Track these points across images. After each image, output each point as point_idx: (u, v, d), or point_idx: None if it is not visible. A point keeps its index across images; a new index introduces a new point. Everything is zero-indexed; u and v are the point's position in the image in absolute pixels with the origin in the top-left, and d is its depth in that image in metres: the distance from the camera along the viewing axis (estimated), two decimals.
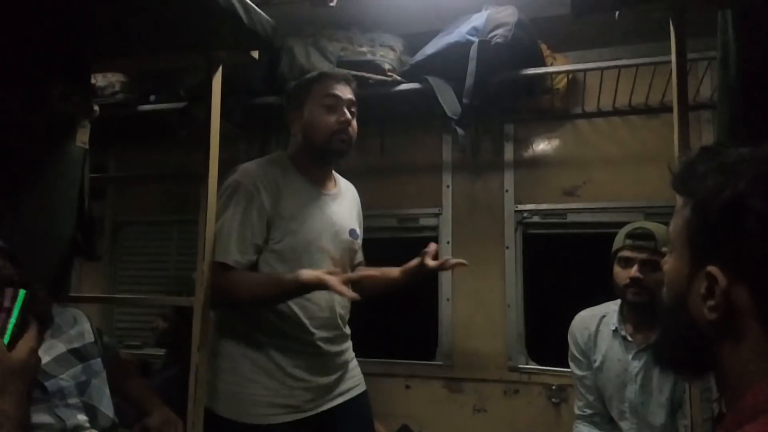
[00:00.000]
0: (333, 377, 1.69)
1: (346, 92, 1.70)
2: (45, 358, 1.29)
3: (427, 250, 1.75)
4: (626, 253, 1.84)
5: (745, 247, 0.66)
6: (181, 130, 2.51)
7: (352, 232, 1.78)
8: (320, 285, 1.49)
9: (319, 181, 1.74)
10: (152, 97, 2.62)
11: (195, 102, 2.42)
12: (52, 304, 1.29)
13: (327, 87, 1.69)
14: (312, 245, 1.65)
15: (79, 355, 1.35)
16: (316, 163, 1.73)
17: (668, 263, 0.79)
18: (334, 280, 1.46)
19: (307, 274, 1.50)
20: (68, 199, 1.54)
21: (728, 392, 0.71)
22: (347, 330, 1.77)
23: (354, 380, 1.77)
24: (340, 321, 1.71)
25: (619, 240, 1.88)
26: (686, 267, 0.73)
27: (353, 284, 1.67)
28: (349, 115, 1.69)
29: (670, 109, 2.27)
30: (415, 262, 1.75)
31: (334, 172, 1.84)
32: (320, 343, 1.64)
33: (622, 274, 1.83)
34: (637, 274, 1.79)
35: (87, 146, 1.63)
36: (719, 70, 1.44)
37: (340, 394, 1.71)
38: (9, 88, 1.43)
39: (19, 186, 1.42)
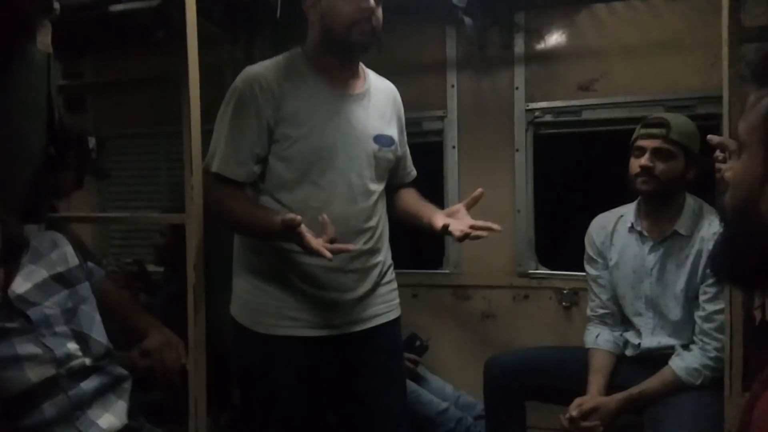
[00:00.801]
0: (350, 296, 1.55)
1: None
2: (25, 286, 1.20)
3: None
4: (639, 143, 1.78)
5: None
6: (157, 30, 2.29)
7: (379, 138, 1.56)
8: (290, 237, 1.32)
9: (338, 80, 1.54)
10: None
11: None
12: (21, 225, 1.17)
13: None
14: (324, 152, 1.48)
15: (63, 280, 1.26)
16: (336, 57, 1.52)
17: (736, 166, 0.71)
18: (307, 238, 1.29)
19: (280, 221, 1.32)
20: (35, 110, 1.39)
21: None
22: (377, 245, 1.59)
23: (385, 306, 1.63)
24: (361, 235, 1.54)
25: (636, 131, 1.83)
26: (762, 167, 0.65)
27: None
28: (373, 2, 1.44)
29: None
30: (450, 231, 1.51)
31: (365, 69, 1.63)
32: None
33: (634, 164, 1.78)
34: (647, 163, 1.74)
35: (50, 49, 1.45)
36: None
37: (365, 319, 1.58)
38: None
39: None
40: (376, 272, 1.60)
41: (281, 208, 1.49)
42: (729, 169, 0.73)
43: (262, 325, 1.52)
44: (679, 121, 1.77)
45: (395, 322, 1.68)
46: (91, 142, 2.04)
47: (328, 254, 1.28)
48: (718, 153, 1.33)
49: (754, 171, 0.66)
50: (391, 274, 1.68)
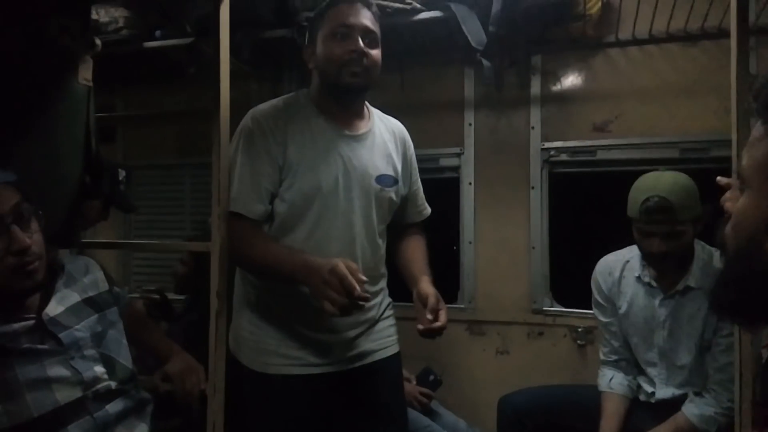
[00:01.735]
0: (349, 335, 1.53)
1: (360, 18, 1.49)
2: (58, 309, 1.24)
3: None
4: (644, 227, 1.72)
5: None
6: (189, 67, 2.39)
7: (381, 178, 1.56)
8: (306, 285, 1.33)
9: (340, 121, 1.55)
10: (158, 33, 2.48)
11: (202, 37, 2.29)
12: (57, 250, 1.22)
13: (339, 14, 1.48)
14: (324, 191, 1.48)
15: (94, 304, 1.30)
16: (334, 100, 1.55)
17: (738, 201, 0.69)
18: (321, 288, 1.27)
19: (304, 267, 1.33)
20: (73, 139, 1.45)
21: None
22: (376, 286, 1.59)
23: (383, 341, 1.62)
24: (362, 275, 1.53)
25: (633, 209, 1.75)
26: (766, 205, 0.63)
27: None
28: (361, 44, 1.47)
29: (711, 36, 2.16)
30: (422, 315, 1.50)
31: (370, 109, 1.64)
32: None
33: (644, 244, 1.75)
34: (662, 249, 1.70)
35: (90, 83, 1.52)
36: None
37: (364, 355, 1.57)
38: (4, 21, 1.32)
39: (20, 126, 1.33)
40: (374, 311, 1.59)
41: None
42: (732, 200, 0.72)
43: (257, 363, 1.51)
44: (679, 192, 1.68)
45: (394, 357, 1.65)
46: (121, 174, 2.10)
47: (347, 314, 1.28)
48: (727, 194, 1.35)
49: (758, 209, 0.65)
50: (390, 310, 1.67)
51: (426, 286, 1.54)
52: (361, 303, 1.28)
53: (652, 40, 2.25)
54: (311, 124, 1.52)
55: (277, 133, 1.48)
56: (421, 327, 1.45)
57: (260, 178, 1.46)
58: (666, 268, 1.78)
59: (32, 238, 1.18)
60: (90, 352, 1.25)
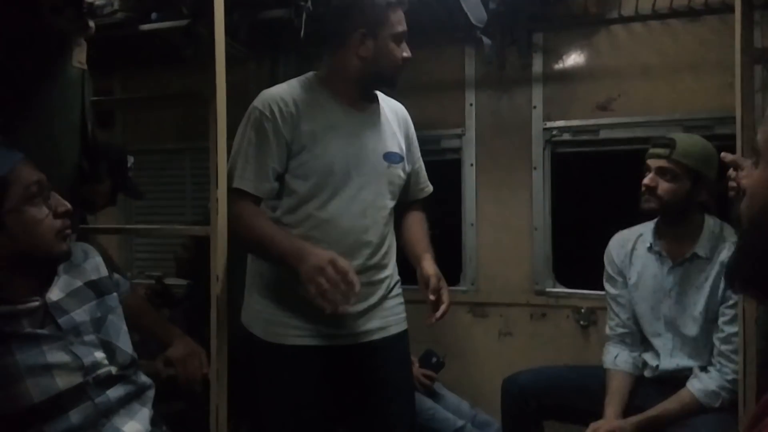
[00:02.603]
0: (356, 309, 1.56)
1: (405, 23, 1.62)
2: (59, 294, 1.24)
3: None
4: (647, 161, 1.80)
5: None
6: (186, 49, 2.36)
7: (389, 155, 1.64)
8: (296, 269, 1.38)
9: (353, 102, 1.64)
10: (154, 15, 2.45)
11: (199, 19, 2.25)
12: None
13: (400, 18, 1.59)
14: (337, 168, 1.55)
15: (96, 288, 1.30)
16: (363, 87, 1.64)
17: (754, 175, 0.69)
18: (313, 275, 1.33)
19: (298, 251, 1.40)
20: (70, 123, 1.45)
21: None
22: (384, 261, 1.64)
23: (391, 318, 1.67)
24: (369, 250, 1.60)
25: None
26: None
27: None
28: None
29: (715, 11, 2.12)
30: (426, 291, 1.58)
31: (377, 92, 1.72)
32: None
33: (643, 180, 1.80)
34: (649, 182, 1.76)
35: (85, 66, 1.51)
36: None
37: (372, 331, 1.62)
38: None
39: (15, 110, 1.32)
40: (383, 286, 1.65)
41: (295, 222, 1.56)
42: (747, 176, 0.71)
43: (271, 334, 1.58)
44: (688, 141, 1.76)
45: (403, 334, 1.71)
46: (130, 161, 2.10)
47: (328, 309, 1.33)
48: (731, 171, 1.34)
49: None
50: (398, 289, 1.71)
51: (428, 265, 1.61)
52: (343, 306, 1.35)
53: (655, 15, 2.21)
54: (323, 104, 1.60)
55: (287, 114, 1.54)
56: (428, 320, 1.54)
57: (267, 157, 1.53)
58: (655, 212, 1.81)
59: (59, 201, 1.22)
60: (89, 337, 1.25)
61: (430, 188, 1.86)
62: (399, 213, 1.77)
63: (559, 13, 2.30)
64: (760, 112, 1.82)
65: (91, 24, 1.52)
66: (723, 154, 1.36)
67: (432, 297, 1.54)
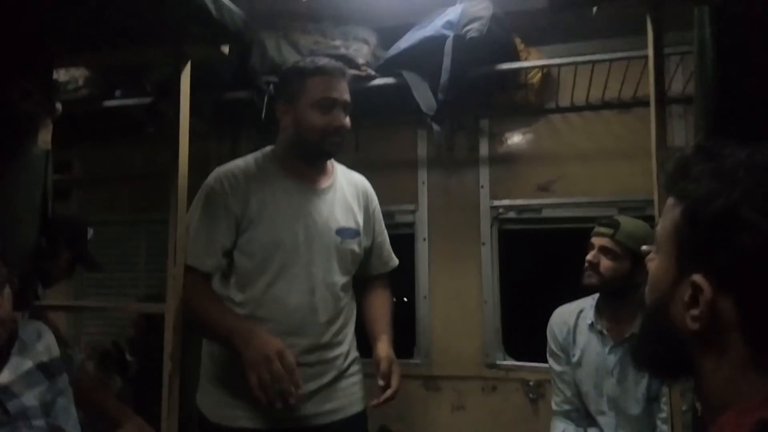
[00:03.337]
0: (308, 388, 1.50)
1: (342, 92, 1.59)
2: (10, 377, 1.22)
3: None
4: (591, 240, 1.91)
5: (734, 260, 0.64)
6: (149, 126, 2.42)
7: (342, 231, 1.61)
8: (240, 351, 1.36)
9: (304, 177, 1.63)
10: (117, 92, 2.52)
11: (162, 97, 2.34)
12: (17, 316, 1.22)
13: (324, 87, 1.57)
14: (284, 244, 1.53)
15: (46, 371, 1.28)
16: (304, 160, 1.63)
17: (654, 262, 0.76)
18: (257, 361, 1.31)
19: (245, 333, 1.38)
20: (31, 202, 1.47)
21: (705, 401, 0.69)
22: (337, 338, 1.59)
23: (345, 400, 1.61)
24: (318, 329, 1.55)
25: None
26: (671, 271, 0.70)
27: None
28: (343, 118, 1.59)
29: (643, 104, 2.33)
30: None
31: (334, 164, 1.72)
32: None
33: (587, 257, 1.90)
34: (591, 258, 1.87)
35: (49, 146, 1.55)
36: (696, 66, 1.44)
37: (324, 414, 1.55)
38: None
39: None
40: (335, 365, 1.59)
41: (243, 300, 1.53)
42: (651, 259, 0.79)
43: (220, 416, 1.53)
44: (631, 224, 1.87)
45: (359, 416, 1.64)
46: (90, 232, 2.09)
47: (264, 401, 1.31)
48: (649, 255, 1.45)
49: (665, 273, 0.71)
50: (355, 366, 1.66)
51: (382, 347, 1.59)
52: (280, 403, 1.31)
53: (589, 107, 2.42)
54: (273, 180, 1.59)
55: (238, 190, 1.55)
56: (374, 402, 1.52)
57: (215, 233, 1.52)
58: (596, 288, 1.89)
59: (2, 305, 1.18)
60: (38, 422, 1.22)
61: (395, 262, 1.84)
62: (363, 287, 1.77)
63: (502, 103, 2.47)
64: None
65: (59, 106, 1.57)
66: (643, 247, 1.47)
67: (381, 382, 1.52)
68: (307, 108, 1.57)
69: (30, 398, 1.23)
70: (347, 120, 1.62)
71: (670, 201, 0.73)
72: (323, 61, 1.62)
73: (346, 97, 1.61)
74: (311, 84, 1.58)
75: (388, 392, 1.52)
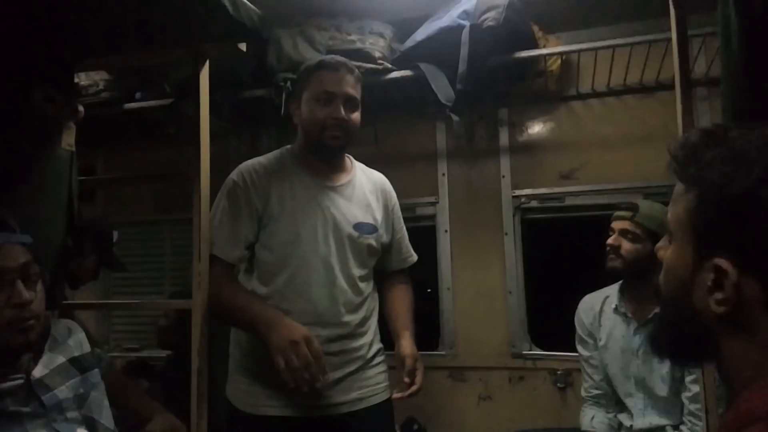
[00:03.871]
0: (333, 376, 1.51)
1: (343, 86, 1.60)
2: (43, 372, 1.26)
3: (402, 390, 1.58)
4: (612, 224, 1.94)
5: (756, 239, 0.64)
6: (169, 127, 2.45)
7: (359, 226, 1.63)
8: (265, 337, 1.40)
9: (321, 173, 1.66)
10: (138, 95, 2.56)
11: (182, 97, 2.37)
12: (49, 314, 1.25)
13: (323, 79, 1.60)
14: (303, 237, 1.57)
15: (79, 365, 1.32)
16: (315, 155, 1.66)
17: (667, 251, 0.75)
18: (284, 347, 1.35)
19: (270, 320, 1.42)
20: (57, 204, 1.50)
21: (731, 383, 0.69)
22: (359, 329, 1.61)
23: (371, 389, 1.62)
24: (340, 319, 1.57)
25: None
26: (690, 257, 0.70)
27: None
28: (342, 112, 1.59)
29: (665, 87, 2.30)
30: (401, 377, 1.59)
31: (353, 162, 1.75)
32: None
33: (608, 240, 1.93)
34: (612, 242, 1.90)
35: (73, 148, 1.58)
36: (721, 47, 1.40)
37: (348, 402, 1.57)
38: None
39: (6, 193, 1.37)
40: (358, 355, 1.61)
41: (266, 293, 1.56)
42: (662, 249, 0.77)
43: (248, 405, 1.57)
44: (649, 207, 1.89)
45: (384, 405, 1.65)
46: (115, 236, 2.14)
47: (292, 384, 1.35)
48: (660, 243, 1.43)
49: (683, 260, 0.71)
50: (379, 356, 1.68)
51: (405, 345, 1.62)
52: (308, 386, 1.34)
53: (611, 92, 2.39)
54: (293, 177, 1.63)
55: (259, 186, 1.59)
56: (397, 395, 1.55)
57: (239, 226, 1.57)
58: (619, 272, 1.90)
59: (35, 297, 1.21)
60: (72, 414, 1.25)
61: (413, 258, 1.85)
62: (383, 283, 1.78)
63: (521, 92, 2.45)
64: None
65: (81, 109, 1.60)
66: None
67: (406, 380, 1.55)
68: (308, 102, 1.62)
69: (64, 391, 1.26)
70: (354, 115, 1.63)
71: (680, 188, 0.73)
72: (328, 57, 1.67)
73: (348, 90, 1.61)
74: (313, 79, 1.62)
75: (414, 388, 1.55)
